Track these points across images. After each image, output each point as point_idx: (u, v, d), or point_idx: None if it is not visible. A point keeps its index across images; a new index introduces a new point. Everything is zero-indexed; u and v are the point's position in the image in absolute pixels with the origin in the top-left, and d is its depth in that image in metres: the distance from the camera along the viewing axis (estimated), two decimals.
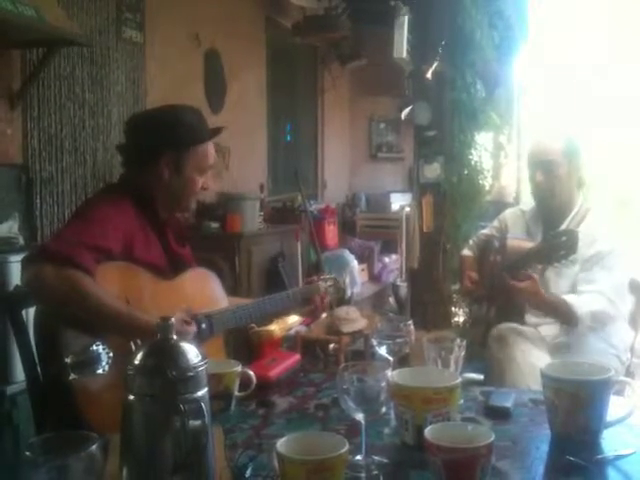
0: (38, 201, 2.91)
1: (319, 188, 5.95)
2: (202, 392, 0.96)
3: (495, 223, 2.58)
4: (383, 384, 1.11)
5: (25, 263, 1.47)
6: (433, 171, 5.46)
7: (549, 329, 2.26)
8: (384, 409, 1.14)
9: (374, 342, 1.44)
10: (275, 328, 1.81)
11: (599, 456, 1.14)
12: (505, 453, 1.14)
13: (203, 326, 1.60)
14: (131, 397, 0.94)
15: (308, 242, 4.50)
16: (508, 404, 1.38)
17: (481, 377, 2.24)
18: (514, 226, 2.46)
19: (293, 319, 2.05)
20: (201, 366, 0.96)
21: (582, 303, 2.10)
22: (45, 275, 1.42)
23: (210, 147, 1.75)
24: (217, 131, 1.79)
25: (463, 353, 1.37)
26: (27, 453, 0.87)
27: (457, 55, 5.19)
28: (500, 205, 4.82)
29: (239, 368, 1.44)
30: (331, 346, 3.40)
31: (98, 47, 3.21)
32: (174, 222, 1.81)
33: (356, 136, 6.60)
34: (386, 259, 5.65)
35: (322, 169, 6.03)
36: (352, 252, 5.17)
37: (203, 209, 3.53)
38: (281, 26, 5.04)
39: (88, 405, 1.42)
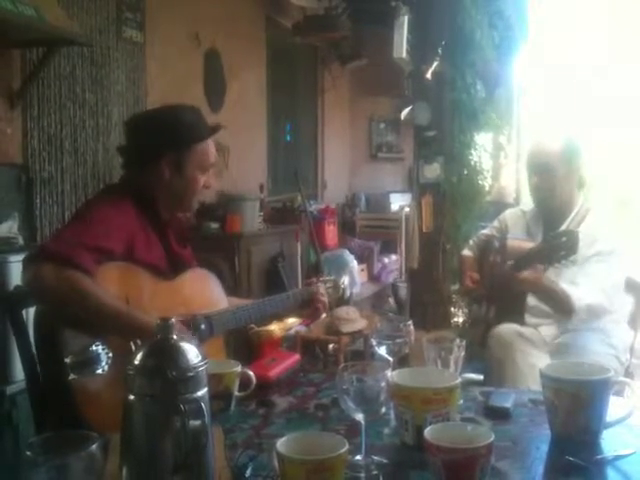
0: (38, 201, 2.91)
1: (319, 188, 5.95)
2: (202, 392, 0.96)
3: (495, 223, 2.58)
4: (383, 384, 1.11)
5: (26, 263, 1.47)
6: (433, 171, 5.46)
7: (549, 329, 2.26)
8: (384, 409, 1.14)
9: (374, 342, 1.44)
10: (275, 328, 1.81)
11: (599, 456, 1.14)
12: (505, 453, 1.14)
13: (203, 327, 1.60)
14: (131, 397, 0.94)
15: (308, 242, 4.50)
16: (508, 404, 1.38)
17: (481, 377, 2.25)
18: (514, 226, 2.46)
19: (293, 319, 2.05)
20: (201, 366, 0.96)
21: (580, 295, 2.10)
22: (45, 275, 1.42)
23: (210, 145, 1.75)
24: (216, 128, 1.79)
25: (463, 353, 1.37)
26: (27, 453, 0.87)
27: (457, 55, 5.19)
28: (500, 205, 4.82)
29: (239, 368, 1.43)
30: (331, 346, 3.40)
31: (98, 47, 3.21)
32: (175, 223, 1.81)
33: (356, 136, 6.60)
34: (386, 259, 5.65)
35: (322, 169, 6.03)
36: (352, 252, 5.17)
37: (203, 209, 3.53)
38: (281, 26, 5.04)
39: (88, 405, 1.42)
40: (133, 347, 0.97)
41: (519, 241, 2.31)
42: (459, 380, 1.24)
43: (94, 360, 1.45)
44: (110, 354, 1.46)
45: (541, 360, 1.93)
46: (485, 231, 2.64)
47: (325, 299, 1.89)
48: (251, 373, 1.47)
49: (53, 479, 0.85)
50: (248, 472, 1.09)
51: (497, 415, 1.35)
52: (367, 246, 5.59)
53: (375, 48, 5.59)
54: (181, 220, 1.87)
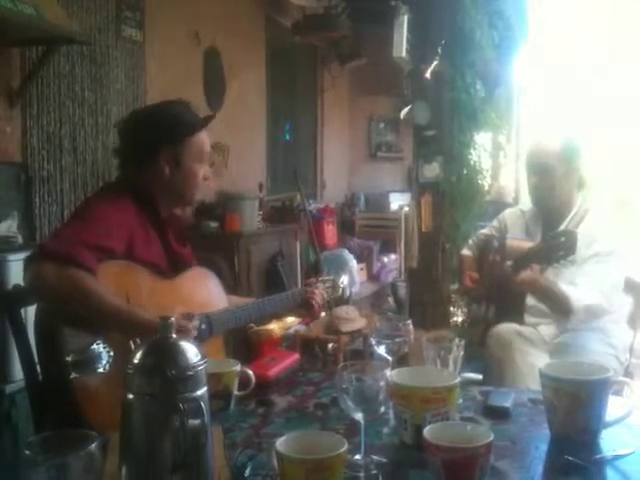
0: (37, 200, 2.91)
1: (318, 187, 5.95)
2: (201, 391, 0.96)
3: (494, 223, 2.58)
4: (382, 384, 1.11)
5: (27, 263, 1.47)
6: (432, 171, 5.45)
7: (548, 329, 2.26)
8: (383, 409, 1.14)
9: (373, 341, 1.44)
10: (274, 327, 1.81)
11: (598, 456, 1.14)
12: (504, 453, 1.14)
13: (202, 326, 1.60)
14: (130, 396, 0.94)
15: (307, 241, 4.50)
16: (507, 404, 1.38)
17: (480, 377, 2.25)
18: (513, 226, 2.46)
19: (292, 318, 2.05)
20: (200, 365, 0.96)
21: (578, 296, 2.10)
22: (47, 274, 1.42)
23: (204, 136, 1.77)
24: (208, 119, 1.81)
25: (462, 353, 1.37)
26: (26, 452, 0.87)
27: (457, 55, 5.18)
28: (499, 205, 4.81)
29: (238, 367, 1.43)
30: (330, 345, 3.40)
31: (97, 45, 3.21)
32: (175, 221, 1.81)
33: (355, 136, 6.60)
34: (385, 259, 5.66)
35: (321, 168, 6.03)
36: (351, 252, 5.17)
37: (202, 208, 3.54)
38: (281, 25, 5.04)
39: (88, 404, 1.42)
40: (132, 346, 0.97)
41: (518, 241, 2.31)
42: (458, 379, 1.24)
43: (95, 359, 1.45)
44: (111, 353, 1.46)
45: (540, 360, 1.93)
46: (484, 231, 2.64)
47: (318, 299, 1.89)
48: (250, 372, 1.47)
49: (52, 478, 0.85)
50: (247, 471, 1.09)
51: (496, 414, 1.35)
52: (366, 245, 5.60)
53: (375, 47, 5.59)
54: (180, 219, 1.87)
